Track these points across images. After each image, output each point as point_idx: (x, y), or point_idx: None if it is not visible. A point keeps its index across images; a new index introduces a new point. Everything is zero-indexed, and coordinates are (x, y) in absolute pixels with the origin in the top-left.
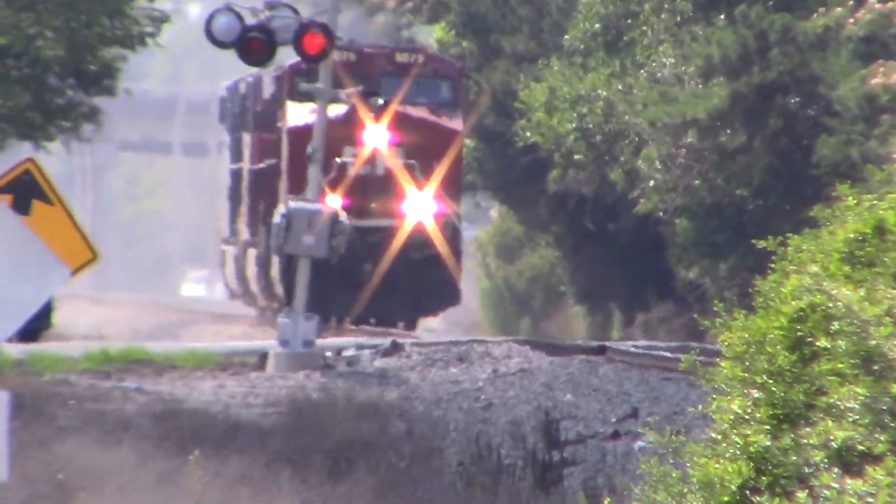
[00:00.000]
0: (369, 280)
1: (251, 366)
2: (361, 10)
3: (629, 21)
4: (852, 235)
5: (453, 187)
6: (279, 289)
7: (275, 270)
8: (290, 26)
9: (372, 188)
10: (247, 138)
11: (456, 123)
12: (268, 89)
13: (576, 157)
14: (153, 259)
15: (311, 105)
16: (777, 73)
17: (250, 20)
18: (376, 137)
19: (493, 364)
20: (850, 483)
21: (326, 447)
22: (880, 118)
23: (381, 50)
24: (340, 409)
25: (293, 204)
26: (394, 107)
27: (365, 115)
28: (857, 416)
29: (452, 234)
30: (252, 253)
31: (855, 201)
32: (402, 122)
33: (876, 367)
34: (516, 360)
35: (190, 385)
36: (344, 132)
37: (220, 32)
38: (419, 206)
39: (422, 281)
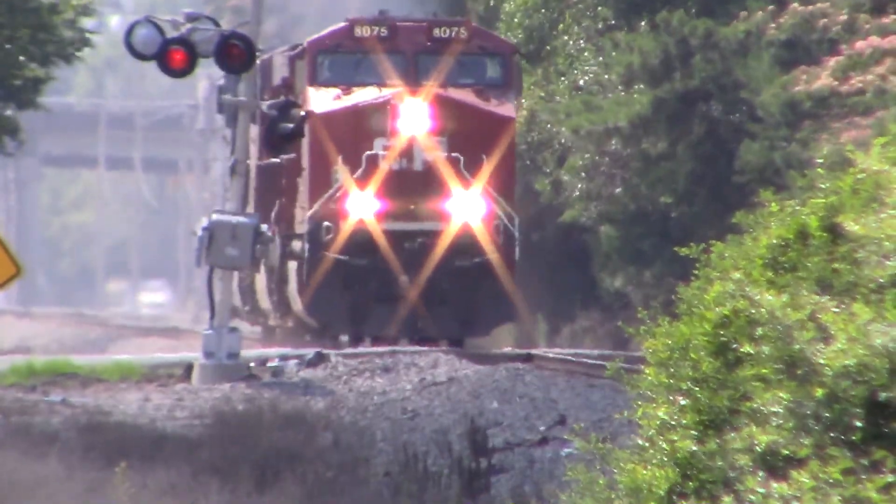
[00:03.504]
0: (408, 292)
1: (177, 377)
2: (283, 21)
3: (551, 30)
4: (775, 241)
5: (505, 184)
6: (266, 303)
7: (275, 284)
8: (211, 38)
9: (410, 185)
10: (254, 131)
11: (507, 109)
12: (280, 72)
13: None
14: (79, 272)
15: (336, 90)
16: (699, 80)
17: (171, 32)
18: (414, 125)
19: (419, 374)
20: (775, 487)
21: (253, 457)
22: (803, 123)
23: (417, 23)
24: (266, 420)
25: (215, 216)
26: (433, 88)
27: (399, 98)
28: (781, 421)
29: (505, 238)
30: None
31: (777, 207)
32: (444, 107)
33: (799, 372)
34: (443, 369)
35: (116, 397)
36: (375, 120)
37: (140, 45)
38: (466, 206)
39: (470, 294)
